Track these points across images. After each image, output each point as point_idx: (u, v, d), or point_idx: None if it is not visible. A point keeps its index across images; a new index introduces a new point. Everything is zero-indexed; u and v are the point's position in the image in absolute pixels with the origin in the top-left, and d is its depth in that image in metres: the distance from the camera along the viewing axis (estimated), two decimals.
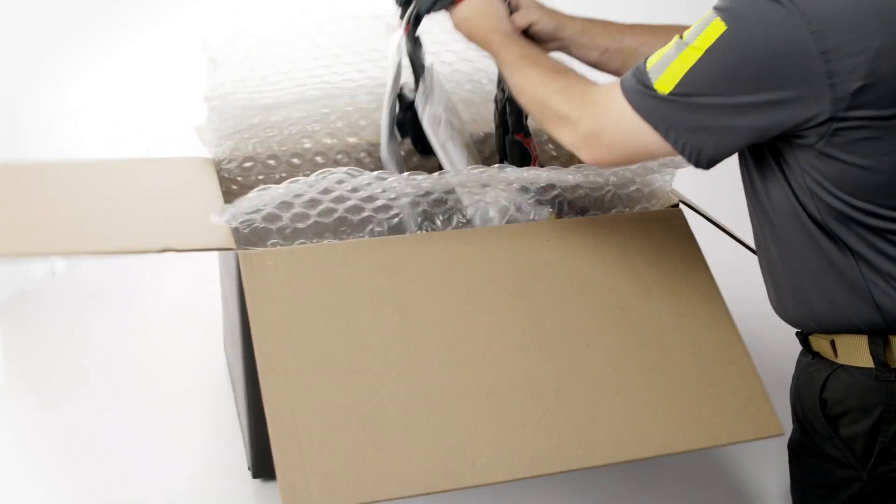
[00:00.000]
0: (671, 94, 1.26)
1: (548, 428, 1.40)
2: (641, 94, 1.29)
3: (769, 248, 1.38)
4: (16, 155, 2.63)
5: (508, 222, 1.57)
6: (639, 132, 1.30)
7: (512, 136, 1.71)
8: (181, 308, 2.30)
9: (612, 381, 1.45)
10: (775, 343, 1.62)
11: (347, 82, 1.90)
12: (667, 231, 1.60)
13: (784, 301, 1.40)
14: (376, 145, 1.84)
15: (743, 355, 1.51)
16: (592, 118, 1.34)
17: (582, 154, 1.38)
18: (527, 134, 1.72)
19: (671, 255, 1.58)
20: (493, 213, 1.58)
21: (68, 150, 2.66)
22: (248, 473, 1.74)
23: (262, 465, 1.70)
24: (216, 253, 1.86)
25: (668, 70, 1.26)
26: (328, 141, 1.92)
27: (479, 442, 1.37)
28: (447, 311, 1.47)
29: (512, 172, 1.55)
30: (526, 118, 1.72)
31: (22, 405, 1.99)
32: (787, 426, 1.46)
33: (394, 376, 1.40)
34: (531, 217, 1.58)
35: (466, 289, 1.49)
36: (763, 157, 1.32)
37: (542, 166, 1.69)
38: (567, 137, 1.39)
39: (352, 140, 1.93)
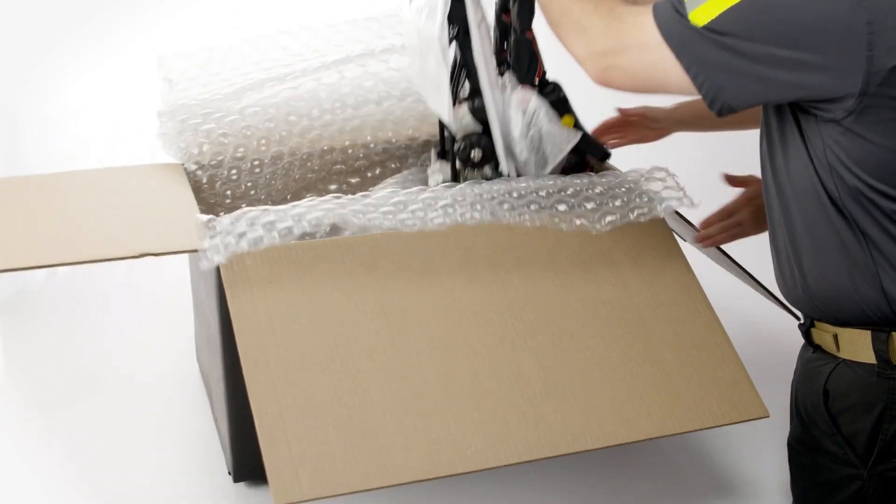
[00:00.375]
0: (705, 27, 1.22)
1: (535, 416, 1.40)
2: (674, 22, 1.25)
3: (782, 226, 1.36)
4: (15, 157, 2.64)
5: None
6: (661, 60, 1.26)
7: (522, 35, 1.62)
8: (157, 314, 2.28)
9: (597, 370, 1.45)
10: (770, 342, 1.59)
11: (306, 92, 1.91)
12: (644, 224, 1.60)
13: (789, 279, 1.38)
14: (348, 146, 1.92)
15: (724, 342, 1.51)
16: (616, 37, 1.30)
17: (589, 70, 1.34)
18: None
19: (648, 248, 1.58)
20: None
21: (68, 150, 2.66)
22: (230, 478, 1.71)
23: (244, 469, 1.68)
24: (187, 258, 1.84)
25: (707, 3, 1.22)
26: (295, 142, 1.92)
27: (467, 430, 1.37)
28: (428, 306, 1.47)
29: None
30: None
31: (16, 406, 1.99)
32: (785, 422, 1.46)
33: (378, 370, 1.40)
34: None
35: (446, 284, 1.49)
36: (788, 131, 1.30)
37: (544, 72, 1.65)
38: (578, 49, 1.34)
39: (321, 144, 1.93)
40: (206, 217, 1.48)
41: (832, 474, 1.37)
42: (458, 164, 1.64)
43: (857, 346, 1.32)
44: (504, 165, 1.61)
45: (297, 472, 1.31)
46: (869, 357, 1.31)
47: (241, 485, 1.71)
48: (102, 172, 1.84)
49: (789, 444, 1.45)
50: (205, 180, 1.88)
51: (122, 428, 1.89)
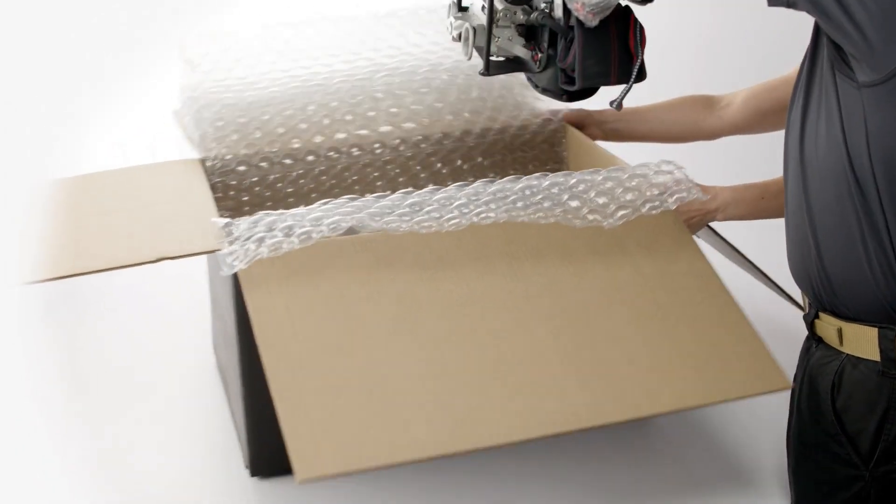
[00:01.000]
0: None
1: (557, 391, 1.41)
2: None
3: (801, 203, 1.37)
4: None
5: None
6: None
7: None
8: (173, 309, 2.30)
9: (616, 349, 1.47)
10: (773, 335, 1.60)
11: (327, 81, 1.92)
12: (655, 216, 1.62)
13: (805, 260, 1.39)
14: (365, 139, 1.92)
15: (741, 320, 1.52)
16: None
17: None
18: None
19: (660, 236, 1.60)
20: None
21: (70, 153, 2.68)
22: (247, 472, 1.73)
23: (260, 463, 1.71)
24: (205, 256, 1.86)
25: None
26: (318, 139, 1.93)
27: (489, 406, 1.39)
28: (446, 296, 1.49)
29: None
30: None
31: (34, 401, 2.00)
32: (784, 419, 1.47)
33: (398, 354, 1.42)
34: None
35: (463, 276, 1.52)
36: (825, 101, 1.31)
37: None
38: None
39: (340, 136, 1.94)
40: (223, 221, 1.51)
41: (834, 474, 1.38)
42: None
43: (861, 342, 1.33)
44: None
45: (319, 448, 1.32)
46: (873, 354, 1.32)
47: (258, 479, 1.73)
48: (118, 173, 1.86)
49: (789, 442, 1.46)
50: (228, 175, 1.88)
51: (138, 423, 1.91)
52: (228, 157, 1.87)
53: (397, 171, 2.00)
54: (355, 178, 1.98)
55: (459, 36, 1.53)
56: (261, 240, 1.48)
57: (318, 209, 1.53)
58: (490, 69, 1.51)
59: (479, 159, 2.02)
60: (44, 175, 1.92)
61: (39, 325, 2.26)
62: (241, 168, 1.89)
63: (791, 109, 1.39)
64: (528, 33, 1.48)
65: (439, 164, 2.02)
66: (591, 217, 1.57)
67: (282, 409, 1.35)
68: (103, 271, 1.50)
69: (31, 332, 2.26)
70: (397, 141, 1.96)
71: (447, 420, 1.36)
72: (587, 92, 1.48)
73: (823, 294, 1.38)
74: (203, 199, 1.69)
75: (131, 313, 2.30)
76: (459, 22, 1.54)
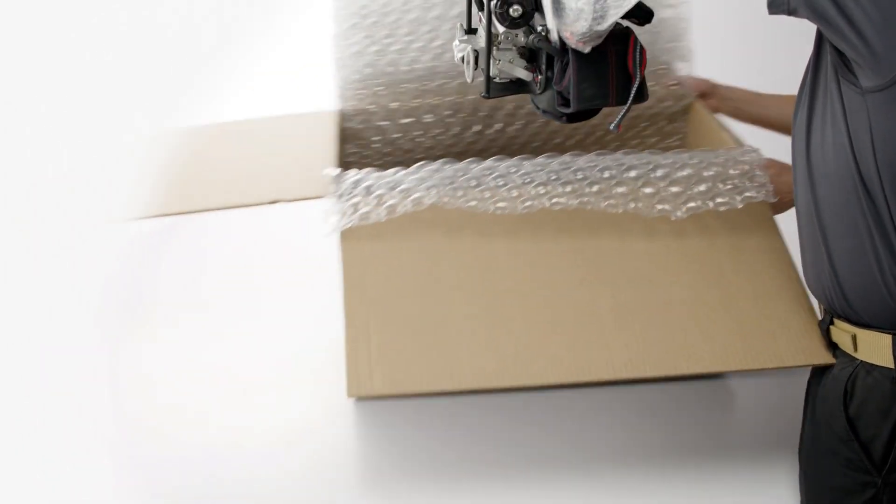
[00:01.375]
0: None
1: (601, 344, 1.54)
2: None
3: (811, 209, 1.38)
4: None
5: None
6: None
7: None
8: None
9: (669, 311, 1.57)
10: None
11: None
12: None
13: (817, 268, 1.40)
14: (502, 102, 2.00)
15: (801, 296, 1.58)
16: None
17: None
18: None
19: (740, 211, 1.65)
20: None
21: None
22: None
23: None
24: None
25: None
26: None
27: (535, 350, 1.54)
28: (515, 255, 1.64)
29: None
30: None
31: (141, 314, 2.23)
32: (798, 422, 1.49)
33: (461, 299, 1.60)
34: None
35: (534, 239, 1.65)
36: (829, 106, 1.32)
37: None
38: None
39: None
40: (334, 171, 1.68)
41: (846, 480, 1.38)
42: (494, 25, 1.45)
43: (876, 349, 1.33)
44: (550, 18, 1.41)
45: (372, 371, 1.53)
46: (888, 361, 1.32)
47: (353, 400, 1.89)
48: (260, 122, 2.06)
49: (801, 446, 1.48)
50: (365, 128, 2.02)
51: (248, 344, 2.08)
52: (372, 108, 1.99)
53: (529, 137, 2.09)
54: (492, 139, 2.08)
55: (463, 59, 1.53)
56: (363, 193, 1.65)
57: (421, 170, 1.67)
58: (491, 91, 1.49)
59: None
60: (190, 121, 2.13)
61: (156, 258, 2.45)
62: (383, 123, 2.02)
63: (796, 116, 1.39)
64: (530, 55, 1.47)
65: (560, 138, 2.10)
66: (658, 207, 1.64)
67: (348, 335, 1.57)
68: (222, 209, 1.72)
69: (152, 261, 2.47)
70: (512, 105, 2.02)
71: (492, 359, 1.53)
72: (586, 114, 1.45)
73: (836, 301, 1.38)
74: (328, 150, 1.85)
75: (249, 251, 2.47)
76: (463, 45, 1.53)
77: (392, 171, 1.67)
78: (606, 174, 1.66)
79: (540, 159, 1.69)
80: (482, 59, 1.46)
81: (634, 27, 1.40)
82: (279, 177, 1.80)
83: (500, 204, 1.65)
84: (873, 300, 1.32)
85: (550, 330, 1.56)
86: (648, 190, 1.65)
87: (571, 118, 1.45)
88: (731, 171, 1.66)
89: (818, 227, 1.37)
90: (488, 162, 1.69)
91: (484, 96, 1.48)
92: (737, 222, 1.65)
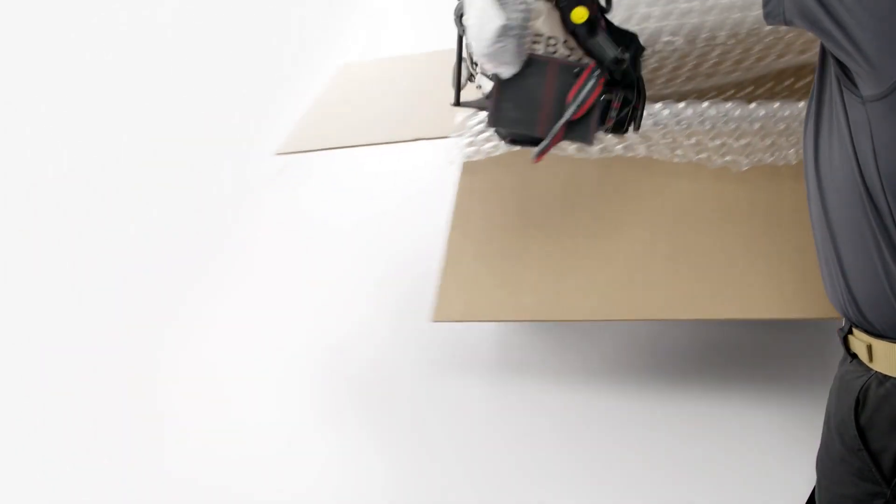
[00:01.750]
0: None
1: (649, 284, 1.70)
2: None
3: (822, 221, 1.37)
4: None
5: None
6: None
7: None
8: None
9: (718, 257, 1.70)
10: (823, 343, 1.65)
11: None
12: None
13: (831, 279, 1.39)
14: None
15: None
16: None
17: None
18: None
19: (799, 166, 1.69)
20: None
21: None
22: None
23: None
24: None
25: None
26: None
27: (589, 288, 1.73)
28: (601, 199, 1.80)
29: None
30: None
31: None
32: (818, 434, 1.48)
33: (542, 235, 1.79)
34: None
35: (621, 190, 1.80)
36: (834, 117, 1.30)
37: None
38: None
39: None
40: (465, 112, 1.79)
41: (856, 489, 1.37)
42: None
43: (890, 359, 1.31)
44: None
45: (454, 300, 1.75)
46: None
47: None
48: (403, 59, 2.21)
49: (818, 453, 1.47)
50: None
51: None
52: None
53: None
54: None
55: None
56: (488, 137, 1.78)
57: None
58: (460, 103, 1.46)
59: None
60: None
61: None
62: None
63: (806, 127, 1.36)
64: None
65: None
66: (725, 159, 1.71)
67: (445, 270, 1.77)
68: (364, 146, 1.94)
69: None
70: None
71: (552, 294, 1.73)
72: (531, 140, 1.38)
73: (851, 311, 1.36)
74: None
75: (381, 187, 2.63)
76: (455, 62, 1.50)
77: None
78: (684, 122, 1.72)
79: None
80: (454, 73, 1.45)
81: None
82: (424, 113, 1.94)
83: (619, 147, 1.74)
84: (884, 311, 1.30)
85: (606, 266, 1.72)
86: (717, 142, 1.71)
87: (515, 142, 1.42)
88: (796, 126, 1.72)
89: (830, 238, 1.35)
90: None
91: (453, 104, 1.46)
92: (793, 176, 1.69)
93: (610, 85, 1.35)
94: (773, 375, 2.14)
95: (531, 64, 1.33)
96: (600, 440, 2.01)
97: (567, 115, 1.33)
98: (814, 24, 1.23)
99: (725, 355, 2.18)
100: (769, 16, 1.29)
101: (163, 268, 2.74)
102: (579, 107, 1.33)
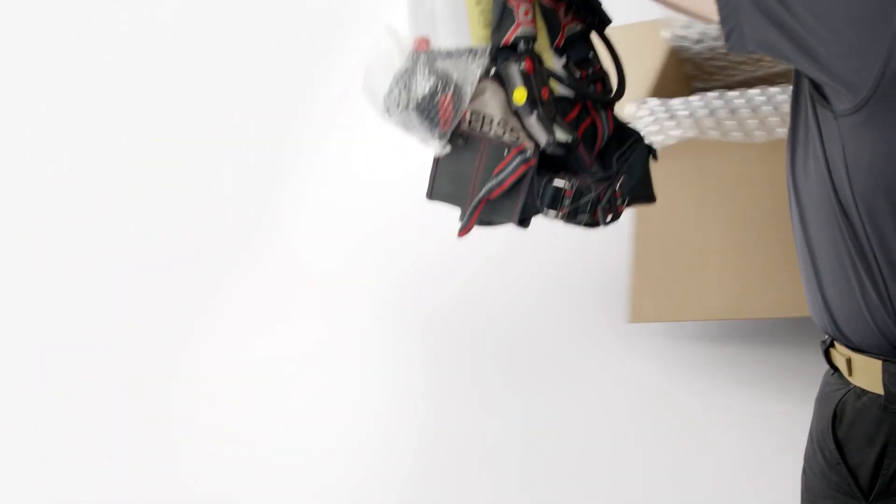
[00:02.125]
0: None
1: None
2: None
3: (801, 237, 1.36)
4: None
5: None
6: None
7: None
8: None
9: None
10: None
11: None
12: None
13: (808, 290, 1.39)
14: None
15: None
16: None
17: None
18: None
19: None
20: None
21: None
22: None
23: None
24: None
25: None
26: None
27: (764, 288, 1.89)
28: (766, 187, 1.89)
29: None
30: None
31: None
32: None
33: (714, 235, 1.92)
34: None
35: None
36: (809, 135, 1.29)
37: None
38: None
39: None
40: (639, 100, 1.89)
41: (835, 502, 1.37)
42: None
43: (868, 374, 1.31)
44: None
45: (645, 303, 1.89)
46: (878, 388, 1.29)
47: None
48: None
49: (803, 466, 1.46)
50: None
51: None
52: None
53: None
54: None
55: None
56: (670, 118, 1.86)
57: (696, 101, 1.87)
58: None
59: None
60: None
61: None
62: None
63: (786, 144, 1.36)
64: None
65: None
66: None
67: (634, 270, 1.92)
68: None
69: None
70: None
71: (731, 295, 1.88)
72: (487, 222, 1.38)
73: (829, 326, 1.36)
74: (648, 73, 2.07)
75: None
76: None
77: (679, 100, 1.87)
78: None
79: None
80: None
81: None
82: None
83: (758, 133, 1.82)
84: (859, 326, 1.30)
85: (735, 257, 1.89)
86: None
87: (481, 222, 1.39)
88: None
89: (808, 253, 1.35)
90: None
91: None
92: None
93: (550, 168, 1.35)
94: (774, 375, 2.15)
95: (468, 141, 1.34)
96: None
97: (482, 193, 1.33)
98: (776, 53, 1.22)
99: (732, 356, 2.18)
100: (732, 49, 1.26)
101: (162, 268, 2.73)
102: (498, 185, 1.33)
